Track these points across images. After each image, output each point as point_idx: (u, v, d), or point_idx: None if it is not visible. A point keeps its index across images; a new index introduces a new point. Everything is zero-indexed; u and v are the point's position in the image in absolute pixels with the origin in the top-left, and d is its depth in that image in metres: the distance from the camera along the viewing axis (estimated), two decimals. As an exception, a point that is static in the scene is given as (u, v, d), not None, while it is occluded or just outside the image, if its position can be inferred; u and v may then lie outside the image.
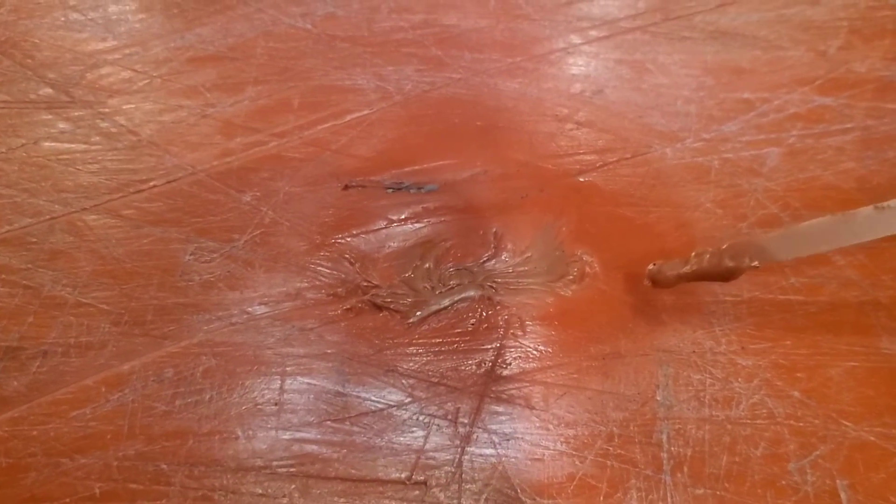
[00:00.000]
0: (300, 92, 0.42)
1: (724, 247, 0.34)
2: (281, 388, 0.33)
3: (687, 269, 0.34)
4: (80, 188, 0.38)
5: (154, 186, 0.38)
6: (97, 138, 0.40)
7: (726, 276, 0.34)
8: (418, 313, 0.35)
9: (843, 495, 0.31)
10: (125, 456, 0.31)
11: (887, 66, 0.45)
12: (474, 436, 0.32)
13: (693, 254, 0.34)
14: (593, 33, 0.46)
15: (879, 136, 0.42)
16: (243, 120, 0.41)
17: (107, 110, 0.41)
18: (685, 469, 0.32)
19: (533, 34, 0.45)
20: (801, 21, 0.47)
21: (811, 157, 0.41)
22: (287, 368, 0.34)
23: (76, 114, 0.41)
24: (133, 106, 0.41)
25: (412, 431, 0.32)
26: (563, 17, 0.46)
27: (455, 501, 0.31)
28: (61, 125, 0.41)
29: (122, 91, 0.42)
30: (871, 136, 0.42)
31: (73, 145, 0.40)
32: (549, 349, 0.35)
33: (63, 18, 0.45)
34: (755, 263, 0.33)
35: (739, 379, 0.34)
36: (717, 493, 0.31)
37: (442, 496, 0.31)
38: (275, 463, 0.32)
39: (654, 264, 0.36)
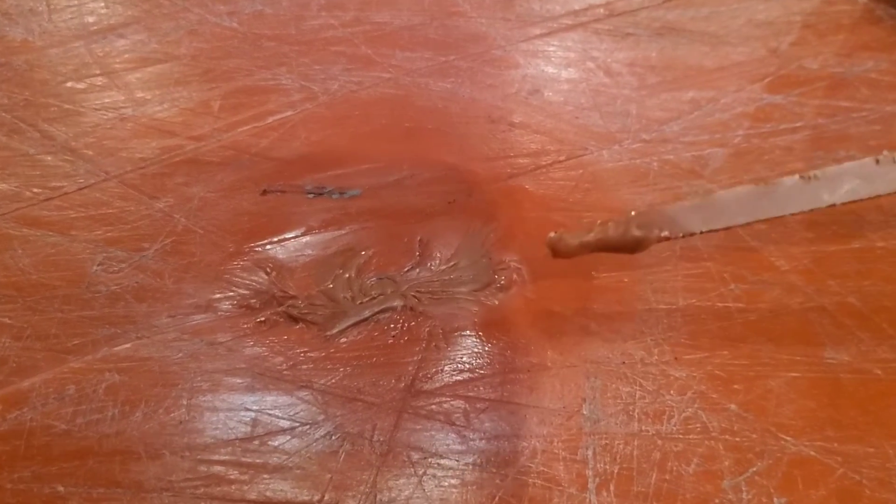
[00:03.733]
0: (222, 93, 0.40)
1: (632, 214, 0.31)
2: (188, 405, 0.32)
3: (591, 237, 0.32)
4: (-11, 196, 0.37)
5: (66, 193, 0.37)
6: (11, 143, 0.38)
7: (633, 246, 0.31)
8: (337, 325, 0.34)
9: (780, 513, 0.30)
10: (20, 478, 0.30)
11: (840, 63, 0.44)
12: (391, 454, 0.31)
13: (598, 222, 0.32)
14: (533, 31, 0.44)
15: (830, 135, 0.41)
16: (162, 123, 0.39)
17: (23, 114, 0.39)
18: (611, 487, 0.30)
19: (469, 31, 0.44)
20: (753, 17, 0.46)
21: (757, 157, 0.40)
22: (194, 385, 0.32)
23: (-9, 118, 0.39)
24: (50, 110, 0.40)
25: (325, 451, 0.31)
26: (501, 14, 0.45)
27: (368, 524, 0.29)
28: (-27, 130, 0.39)
29: (39, 94, 0.40)
30: (822, 135, 0.41)
31: (-16, 151, 0.38)
32: (473, 361, 0.33)
33: (-21, 18, 0.43)
34: (665, 233, 0.31)
35: (672, 391, 0.32)
36: (646, 512, 0.30)
37: (355, 518, 0.29)
38: (179, 484, 0.30)
39: (555, 232, 0.33)
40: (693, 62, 0.43)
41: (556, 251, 0.33)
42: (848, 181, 0.30)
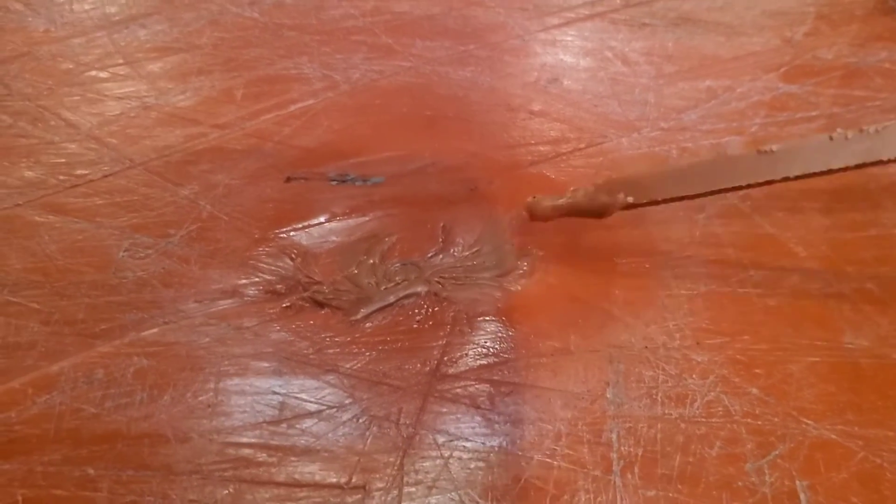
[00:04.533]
0: (244, 82, 0.41)
1: (599, 182, 0.33)
2: (215, 389, 0.32)
3: (563, 201, 0.34)
4: (15, 183, 0.37)
5: (91, 181, 0.37)
6: (35, 132, 0.39)
7: (601, 210, 0.33)
8: (362, 310, 0.34)
9: (802, 496, 0.30)
10: (50, 461, 0.30)
11: (854, 53, 0.44)
12: (417, 437, 0.31)
13: (571, 188, 0.34)
14: (551, 20, 0.45)
15: (845, 124, 0.41)
16: (185, 111, 0.39)
17: (46, 103, 0.40)
18: (636, 470, 0.30)
19: (487, 21, 0.44)
20: (767, 7, 0.46)
21: (774, 145, 0.40)
22: (222, 369, 0.32)
23: (14, 106, 0.40)
24: (73, 98, 0.40)
25: (352, 434, 0.31)
26: (519, 4, 0.45)
27: (395, 506, 0.30)
28: (-1, 118, 0.39)
29: (62, 83, 0.41)
30: (837, 123, 0.41)
31: (9, 139, 0.38)
32: (497, 346, 0.33)
33: (3, 8, 0.44)
34: (630, 199, 0.32)
35: (694, 375, 0.33)
36: (670, 494, 0.30)
37: (382, 500, 0.30)
38: (207, 467, 0.30)
39: (533, 197, 0.35)
40: (709, 52, 0.44)
41: (533, 213, 0.35)
42: (802, 156, 0.30)
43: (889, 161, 0.29)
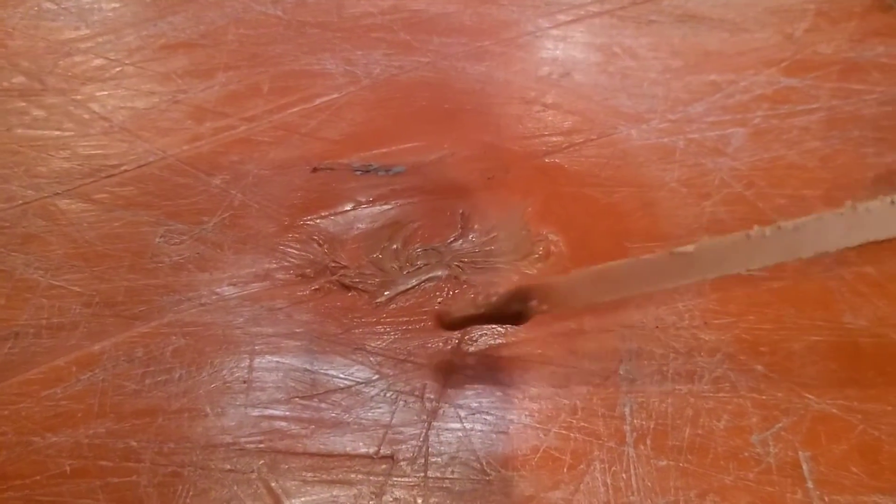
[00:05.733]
0: (270, 77, 0.42)
1: (511, 289, 0.32)
2: (250, 366, 0.34)
3: (474, 310, 0.32)
4: (52, 173, 0.39)
5: (125, 171, 0.39)
6: (70, 125, 0.40)
7: (515, 317, 0.31)
8: (386, 293, 0.36)
9: (805, 466, 0.31)
10: (95, 434, 0.32)
11: (853, 48, 0.46)
12: (441, 411, 0.33)
13: (482, 295, 0.33)
14: (561, 17, 0.46)
15: (844, 116, 0.43)
16: (213, 105, 0.41)
17: (79, 97, 0.41)
18: (648, 441, 0.32)
19: (501, 18, 0.46)
20: (769, 4, 0.48)
21: (776, 136, 0.42)
22: (256, 347, 0.34)
23: (49, 101, 0.41)
24: (105, 93, 0.42)
25: (380, 407, 0.33)
26: (531, 1, 0.47)
27: (421, 474, 0.31)
28: (34, 112, 0.41)
29: (94, 78, 0.42)
30: (836, 115, 0.43)
31: (45, 132, 0.40)
32: (514, 326, 0.35)
33: (36, 7, 0.45)
34: (544, 307, 0.31)
35: (702, 353, 0.34)
36: (681, 464, 0.32)
37: (409, 469, 0.31)
38: (243, 439, 0.32)
39: (440, 304, 0.35)
40: (713, 48, 0.45)
41: (442, 322, 0.34)
42: (719, 257, 0.28)
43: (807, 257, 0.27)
